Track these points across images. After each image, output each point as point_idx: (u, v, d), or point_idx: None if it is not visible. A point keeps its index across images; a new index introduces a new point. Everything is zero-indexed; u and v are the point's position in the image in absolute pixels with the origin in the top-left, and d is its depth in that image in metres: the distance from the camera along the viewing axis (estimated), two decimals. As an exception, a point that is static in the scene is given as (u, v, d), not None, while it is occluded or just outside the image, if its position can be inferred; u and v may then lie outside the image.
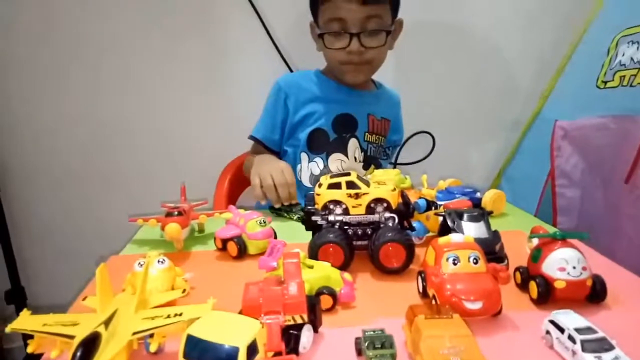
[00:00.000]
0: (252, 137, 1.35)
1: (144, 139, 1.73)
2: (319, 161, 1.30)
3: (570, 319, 0.55)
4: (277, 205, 1.10)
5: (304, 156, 1.30)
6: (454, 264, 0.62)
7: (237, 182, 1.43)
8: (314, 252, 0.75)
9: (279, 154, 1.35)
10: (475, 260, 0.62)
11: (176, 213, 0.86)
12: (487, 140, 1.82)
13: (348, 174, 0.79)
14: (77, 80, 1.66)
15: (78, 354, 0.44)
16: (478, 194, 1.00)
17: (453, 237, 0.65)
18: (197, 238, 0.96)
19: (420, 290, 0.68)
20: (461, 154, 1.81)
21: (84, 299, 0.63)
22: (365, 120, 1.34)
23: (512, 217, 1.07)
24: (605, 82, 1.39)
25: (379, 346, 0.52)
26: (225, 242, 0.85)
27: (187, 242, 0.91)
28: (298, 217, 1.06)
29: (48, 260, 1.80)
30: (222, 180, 1.40)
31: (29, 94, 1.67)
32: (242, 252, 0.83)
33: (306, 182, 1.30)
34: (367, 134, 1.34)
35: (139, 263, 0.67)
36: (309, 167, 1.30)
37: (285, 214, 1.10)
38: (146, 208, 1.07)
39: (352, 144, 1.32)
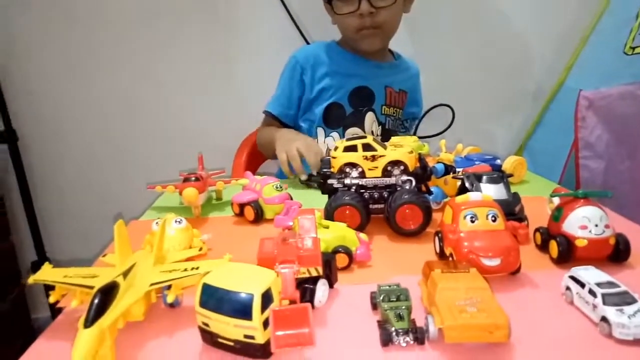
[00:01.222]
0: (266, 112, 1.33)
1: (162, 114, 1.75)
2: (335, 136, 1.28)
3: (591, 274, 0.54)
4: (303, 177, 1.07)
5: (320, 131, 1.29)
6: (472, 221, 0.61)
7: (255, 155, 1.43)
8: (329, 215, 0.75)
9: (294, 129, 1.34)
10: (493, 218, 0.61)
11: (193, 179, 0.87)
12: (509, 113, 1.78)
13: (364, 137, 0.78)
14: (99, 56, 1.69)
15: (96, 300, 0.45)
16: (498, 161, 0.98)
17: (471, 196, 0.64)
18: (215, 205, 0.97)
19: (437, 250, 0.67)
20: (482, 127, 1.77)
21: (103, 256, 0.64)
22: (382, 92, 1.31)
23: (533, 184, 1.05)
24: (634, 48, 1.34)
25: (394, 299, 0.52)
26: (242, 207, 0.85)
27: (204, 208, 0.92)
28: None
29: (72, 232, 1.85)
30: (241, 152, 1.41)
31: (50, 69, 1.70)
32: (259, 217, 0.84)
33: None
34: (384, 107, 1.32)
35: (156, 222, 0.68)
36: (326, 142, 1.29)
37: (316, 185, 1.05)
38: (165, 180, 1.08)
39: (369, 117, 1.30)
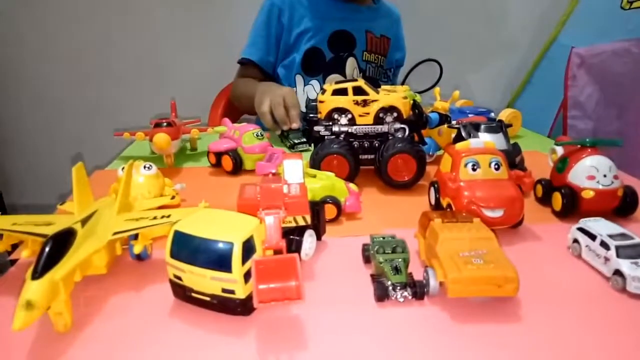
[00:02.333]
0: (244, 60, 1.22)
1: (136, 59, 1.64)
2: (315, 84, 1.21)
3: (601, 225, 0.50)
4: (277, 132, 1.00)
5: (299, 79, 1.21)
6: (473, 169, 0.56)
7: (233, 106, 1.34)
8: (316, 165, 0.69)
9: (273, 79, 1.24)
10: (496, 166, 0.56)
11: (165, 124, 0.79)
12: (497, 70, 1.73)
13: (355, 80, 0.71)
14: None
15: (47, 248, 0.38)
16: (492, 114, 0.93)
17: (472, 142, 0.59)
18: (189, 155, 0.90)
19: (433, 202, 0.62)
20: (470, 83, 1.72)
21: (62, 204, 0.57)
22: (363, 37, 1.24)
23: (528, 139, 1.01)
24: (631, 2, 1.29)
25: (390, 251, 0.47)
26: (219, 156, 0.78)
27: (178, 159, 0.85)
28: (291, 145, 0.95)
29: (33, 180, 1.75)
30: (217, 102, 1.31)
31: (17, 6, 1.56)
32: (238, 167, 0.77)
33: (302, 107, 1.21)
34: (365, 52, 1.25)
35: (122, 169, 0.60)
36: (305, 90, 1.21)
37: (283, 140, 1.00)
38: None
39: (350, 63, 1.23)
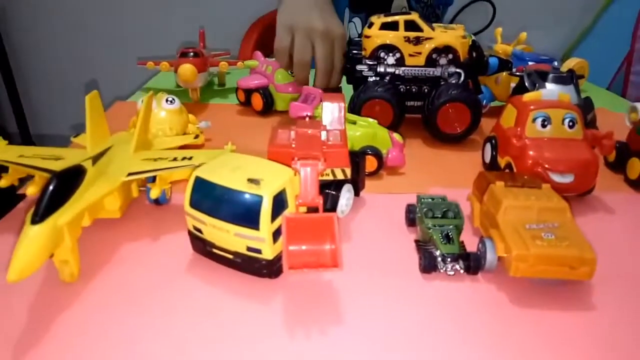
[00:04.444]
0: None
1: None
2: (357, 22, 1.10)
3: (696, 203, 0.42)
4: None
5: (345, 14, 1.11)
6: (543, 126, 0.48)
7: (268, 39, 1.23)
8: (356, 109, 0.61)
9: None
10: (571, 123, 0.48)
11: (192, 54, 0.72)
12: (558, 13, 1.55)
13: (409, 13, 0.62)
14: None
15: (50, 188, 0.33)
16: (555, 63, 0.82)
17: (544, 93, 0.50)
18: (217, 91, 0.83)
19: (487, 160, 0.54)
20: (526, 27, 1.56)
21: (75, 136, 0.52)
22: None
23: (592, 94, 0.89)
24: None
25: (440, 216, 0.40)
26: (248, 94, 0.72)
27: (205, 94, 0.79)
28: None
29: (58, 115, 1.73)
30: (250, 34, 1.22)
31: None
32: (269, 107, 0.70)
33: None
34: None
35: (142, 100, 0.54)
36: (348, 28, 1.11)
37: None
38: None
39: (398, 1, 1.11)
